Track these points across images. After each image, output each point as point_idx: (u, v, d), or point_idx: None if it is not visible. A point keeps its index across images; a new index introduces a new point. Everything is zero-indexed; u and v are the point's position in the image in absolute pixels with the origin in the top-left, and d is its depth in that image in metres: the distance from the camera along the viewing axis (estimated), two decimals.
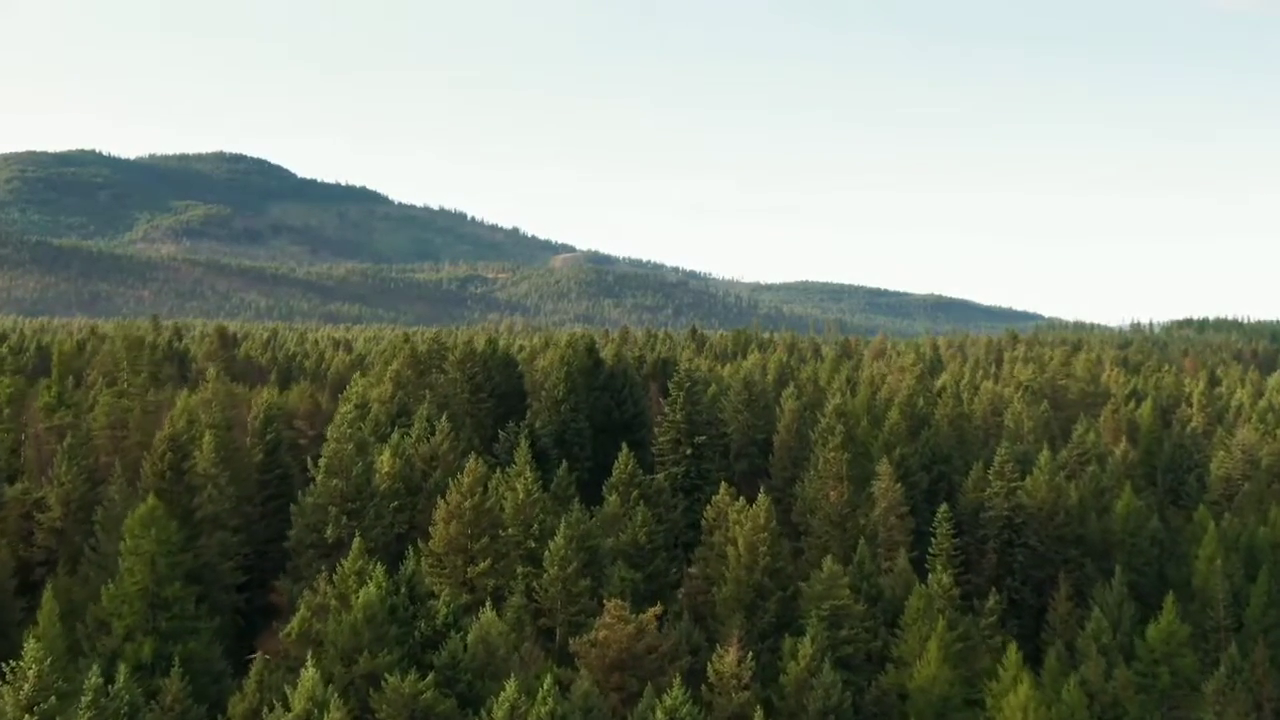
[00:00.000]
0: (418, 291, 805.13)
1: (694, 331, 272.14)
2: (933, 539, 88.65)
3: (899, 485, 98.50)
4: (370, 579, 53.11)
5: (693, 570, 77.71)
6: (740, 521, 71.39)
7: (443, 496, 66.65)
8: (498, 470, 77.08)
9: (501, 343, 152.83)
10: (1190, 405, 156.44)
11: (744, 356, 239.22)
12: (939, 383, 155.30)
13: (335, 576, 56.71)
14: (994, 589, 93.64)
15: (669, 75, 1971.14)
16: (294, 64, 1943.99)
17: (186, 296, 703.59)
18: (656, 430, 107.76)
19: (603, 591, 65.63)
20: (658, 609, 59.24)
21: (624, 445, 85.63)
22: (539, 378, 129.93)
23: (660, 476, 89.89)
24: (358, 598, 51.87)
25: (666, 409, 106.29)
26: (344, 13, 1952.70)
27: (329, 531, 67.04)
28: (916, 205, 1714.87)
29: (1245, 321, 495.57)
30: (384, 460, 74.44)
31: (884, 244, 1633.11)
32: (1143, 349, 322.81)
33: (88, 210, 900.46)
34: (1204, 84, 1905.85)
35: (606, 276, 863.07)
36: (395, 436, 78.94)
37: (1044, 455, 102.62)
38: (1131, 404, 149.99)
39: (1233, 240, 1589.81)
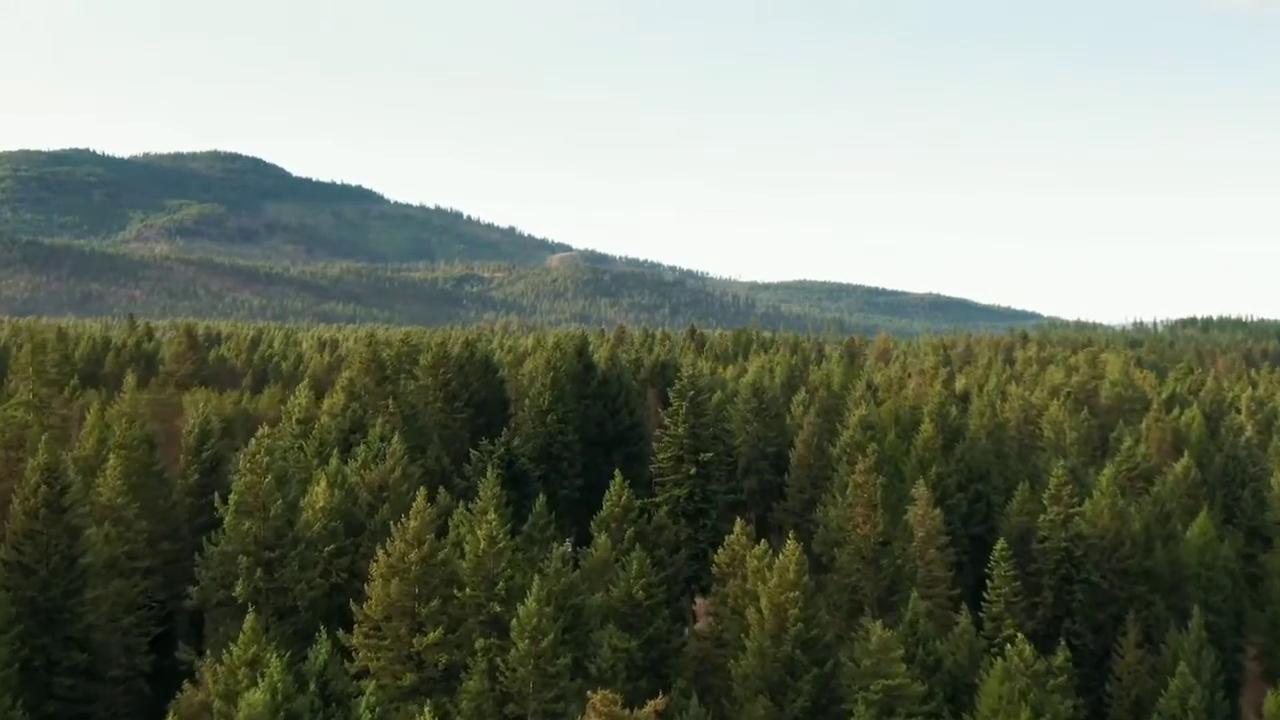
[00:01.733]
0: (413, 291, 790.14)
1: (693, 331, 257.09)
2: (988, 581, 73.47)
3: (937, 511, 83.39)
4: (264, 673, 38.09)
5: (700, 627, 62.34)
6: (761, 571, 56.10)
7: (382, 546, 51.38)
8: (461, 504, 61.79)
9: (485, 343, 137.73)
10: (1239, 412, 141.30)
11: (745, 357, 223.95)
12: (957, 386, 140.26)
13: (224, 662, 41.64)
14: (1059, 638, 78.81)
15: (666, 75, 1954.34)
16: (290, 63, 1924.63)
17: (179, 296, 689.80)
18: (656, 446, 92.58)
19: (589, 666, 50.55)
20: (660, 702, 43.96)
21: (617, 471, 70.22)
22: (524, 384, 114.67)
23: (661, 510, 74.59)
24: (245, 699, 36.87)
25: (667, 421, 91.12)
26: (340, 11, 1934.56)
27: (239, 588, 51.80)
28: (915, 204, 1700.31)
29: (1249, 320, 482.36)
30: (318, 493, 59.17)
31: (882, 243, 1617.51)
32: (1155, 349, 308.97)
33: (81, 209, 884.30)
34: (1203, 84, 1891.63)
35: (603, 276, 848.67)
36: (334, 461, 63.53)
37: (1105, 474, 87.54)
38: (1177, 411, 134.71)
39: (1230, 240, 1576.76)
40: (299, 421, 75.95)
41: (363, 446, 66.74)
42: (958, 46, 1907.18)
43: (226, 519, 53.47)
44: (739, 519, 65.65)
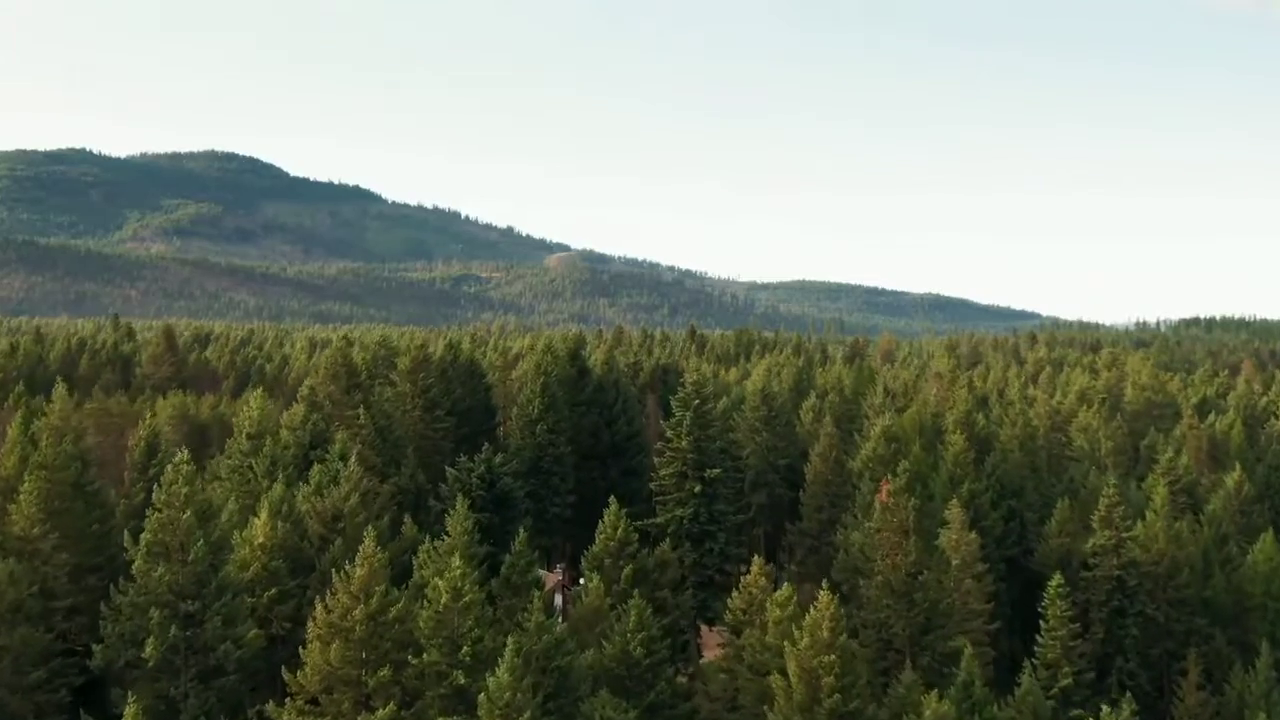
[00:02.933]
0: (410, 291, 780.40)
1: (693, 331, 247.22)
2: (1041, 622, 63.66)
3: (973, 535, 73.64)
4: None
5: (710, 689, 52.47)
6: (784, 623, 46.22)
7: (321, 599, 41.52)
8: (429, 539, 51.94)
9: (476, 345, 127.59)
10: (1278, 417, 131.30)
11: (747, 359, 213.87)
12: (975, 391, 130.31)
13: None
14: (1110, 676, 69.13)
15: (665, 74, 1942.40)
16: (287, 63, 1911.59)
17: (174, 296, 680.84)
18: (658, 461, 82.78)
19: None
20: None
21: (612, 499, 60.25)
22: (513, 390, 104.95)
23: (665, 545, 64.65)
24: None
25: (669, 432, 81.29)
26: (338, 11, 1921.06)
27: (149, 648, 41.96)
28: (913, 204, 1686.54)
29: (1253, 320, 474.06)
30: (258, 527, 49.35)
31: (881, 243, 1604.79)
32: (1166, 350, 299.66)
33: (77, 209, 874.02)
34: (1202, 84, 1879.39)
35: (602, 275, 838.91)
36: (278, 487, 53.59)
37: (1159, 491, 77.78)
38: (1212, 417, 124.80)
39: (1229, 240, 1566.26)
40: (250, 436, 65.98)
41: (316, 467, 56.84)
42: (957, 46, 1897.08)
43: (136, 563, 43.65)
44: (756, 557, 55.66)
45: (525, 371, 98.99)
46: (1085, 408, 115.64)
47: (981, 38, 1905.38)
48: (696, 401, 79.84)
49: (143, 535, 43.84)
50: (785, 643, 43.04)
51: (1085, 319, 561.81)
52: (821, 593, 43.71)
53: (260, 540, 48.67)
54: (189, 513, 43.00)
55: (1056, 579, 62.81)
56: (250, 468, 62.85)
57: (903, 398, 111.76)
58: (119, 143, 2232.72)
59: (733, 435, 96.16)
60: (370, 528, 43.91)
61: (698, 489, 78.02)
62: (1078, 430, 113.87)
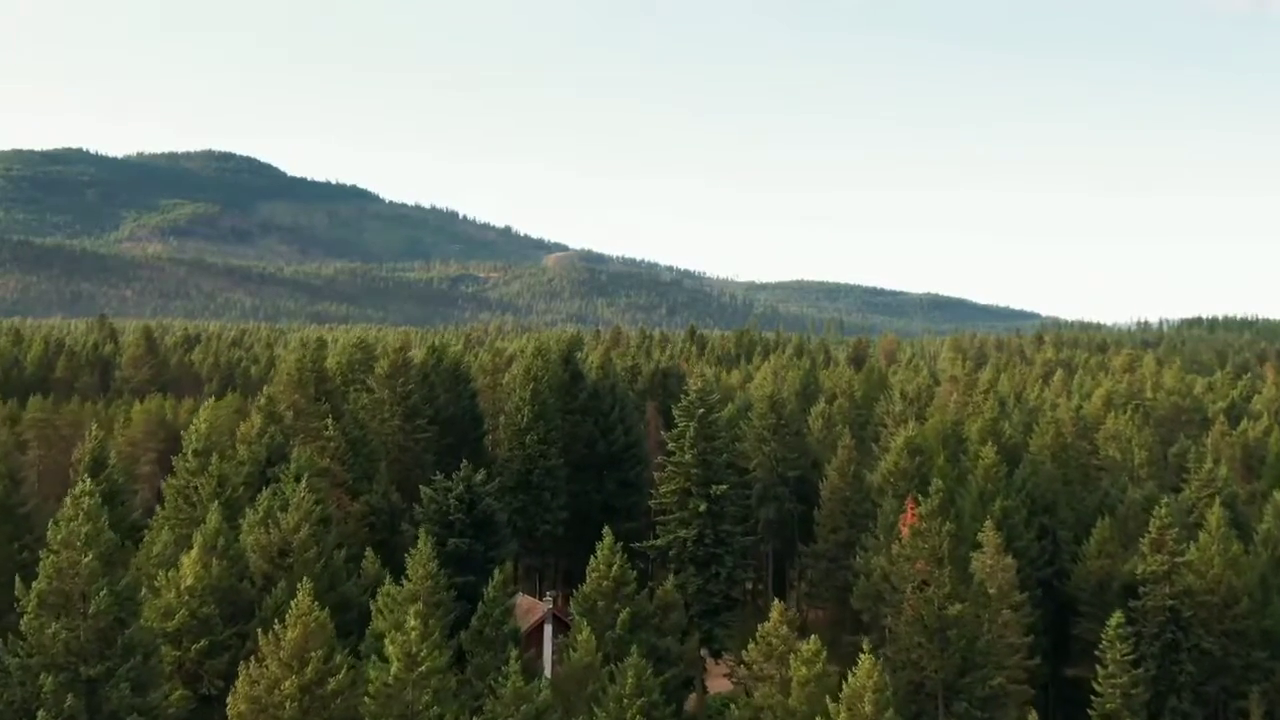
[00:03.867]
0: (408, 291, 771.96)
1: (693, 332, 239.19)
2: (1099, 667, 55.72)
3: (1010, 560, 65.75)
4: None
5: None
6: (811, 684, 38.26)
7: (253, 655, 33.46)
8: (389, 579, 43.87)
9: (468, 346, 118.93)
10: None
11: (749, 360, 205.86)
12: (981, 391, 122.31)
13: None
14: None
15: (663, 74, 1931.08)
16: (285, 62, 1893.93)
17: (170, 296, 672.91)
18: (657, 477, 74.89)
19: None
20: None
21: (606, 531, 52.18)
22: (503, 396, 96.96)
23: (668, 585, 56.66)
24: None
25: (670, 445, 73.38)
26: (336, 10, 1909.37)
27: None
28: (912, 204, 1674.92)
29: (1256, 320, 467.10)
30: (187, 565, 41.39)
31: (880, 243, 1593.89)
32: (1173, 350, 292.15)
33: (74, 209, 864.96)
34: (1202, 84, 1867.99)
35: (600, 275, 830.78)
36: (213, 516, 45.40)
37: (1214, 513, 69.69)
38: (1245, 422, 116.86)
39: (1228, 240, 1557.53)
40: (195, 453, 57.89)
41: (265, 491, 48.79)
42: (956, 46, 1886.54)
43: (26, 617, 35.68)
44: (777, 602, 47.50)
45: (515, 376, 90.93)
46: (1112, 413, 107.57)
47: (980, 37, 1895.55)
48: (701, 411, 71.92)
49: (34, 583, 35.86)
50: (816, 714, 35.06)
51: (1085, 319, 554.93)
52: (863, 656, 35.74)
53: (189, 582, 40.70)
54: (91, 555, 35.02)
55: (1116, 618, 54.99)
56: (196, 490, 54.82)
57: (916, 403, 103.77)
58: (116, 143, 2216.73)
59: (738, 445, 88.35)
60: (320, 567, 36.07)
61: (702, 508, 70.15)
62: (1105, 438, 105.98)
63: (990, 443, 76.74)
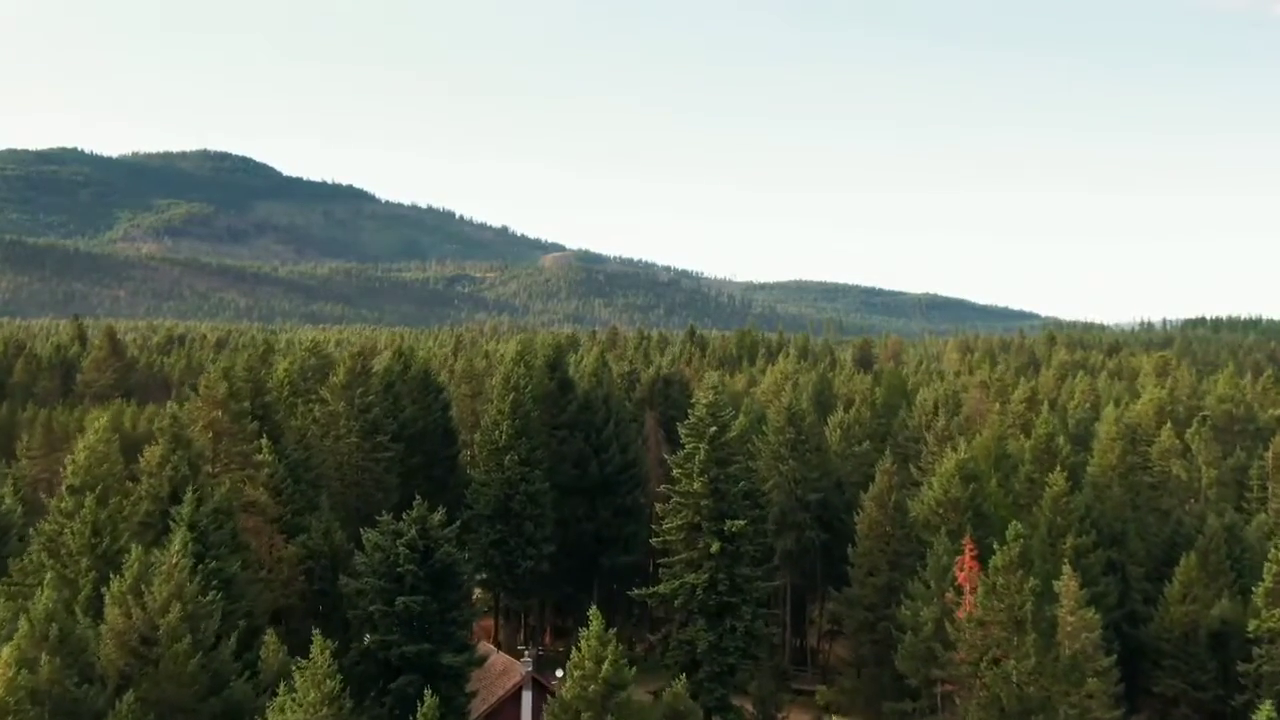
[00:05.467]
0: (404, 291, 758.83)
1: (692, 332, 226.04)
2: None
3: (1094, 614, 52.79)
4: None
5: None
6: None
7: None
8: (296, 671, 30.80)
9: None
10: None
11: (751, 362, 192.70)
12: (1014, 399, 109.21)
13: None
14: None
15: (661, 74, 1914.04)
16: (281, 62, 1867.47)
17: (164, 297, 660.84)
18: (659, 508, 61.93)
19: None
20: None
21: (594, 612, 39.03)
22: (483, 406, 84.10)
23: (679, 686, 43.42)
24: None
25: (676, 470, 60.37)
26: (332, 10, 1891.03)
27: None
28: (911, 204, 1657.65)
29: (1261, 320, 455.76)
30: (2, 662, 28.53)
31: (878, 243, 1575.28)
32: (1186, 351, 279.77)
33: (68, 209, 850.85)
34: (1201, 84, 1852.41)
35: (597, 275, 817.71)
36: (46, 594, 32.18)
37: None
38: None
39: (1227, 239, 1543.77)
40: (71, 489, 44.85)
41: (135, 552, 35.79)
42: (956, 46, 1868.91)
43: None
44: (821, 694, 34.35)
45: (494, 385, 77.86)
46: (1167, 425, 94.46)
47: (977, 37, 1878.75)
48: (713, 429, 58.94)
49: None
50: None
51: (1082, 319, 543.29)
52: None
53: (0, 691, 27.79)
54: None
55: (1267, 710, 41.69)
56: (70, 535, 41.74)
57: (944, 413, 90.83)
58: (110, 142, 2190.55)
59: (751, 463, 75.15)
60: (197, 662, 23.12)
61: (715, 548, 57.16)
62: (1160, 453, 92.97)
63: (1060, 469, 63.51)
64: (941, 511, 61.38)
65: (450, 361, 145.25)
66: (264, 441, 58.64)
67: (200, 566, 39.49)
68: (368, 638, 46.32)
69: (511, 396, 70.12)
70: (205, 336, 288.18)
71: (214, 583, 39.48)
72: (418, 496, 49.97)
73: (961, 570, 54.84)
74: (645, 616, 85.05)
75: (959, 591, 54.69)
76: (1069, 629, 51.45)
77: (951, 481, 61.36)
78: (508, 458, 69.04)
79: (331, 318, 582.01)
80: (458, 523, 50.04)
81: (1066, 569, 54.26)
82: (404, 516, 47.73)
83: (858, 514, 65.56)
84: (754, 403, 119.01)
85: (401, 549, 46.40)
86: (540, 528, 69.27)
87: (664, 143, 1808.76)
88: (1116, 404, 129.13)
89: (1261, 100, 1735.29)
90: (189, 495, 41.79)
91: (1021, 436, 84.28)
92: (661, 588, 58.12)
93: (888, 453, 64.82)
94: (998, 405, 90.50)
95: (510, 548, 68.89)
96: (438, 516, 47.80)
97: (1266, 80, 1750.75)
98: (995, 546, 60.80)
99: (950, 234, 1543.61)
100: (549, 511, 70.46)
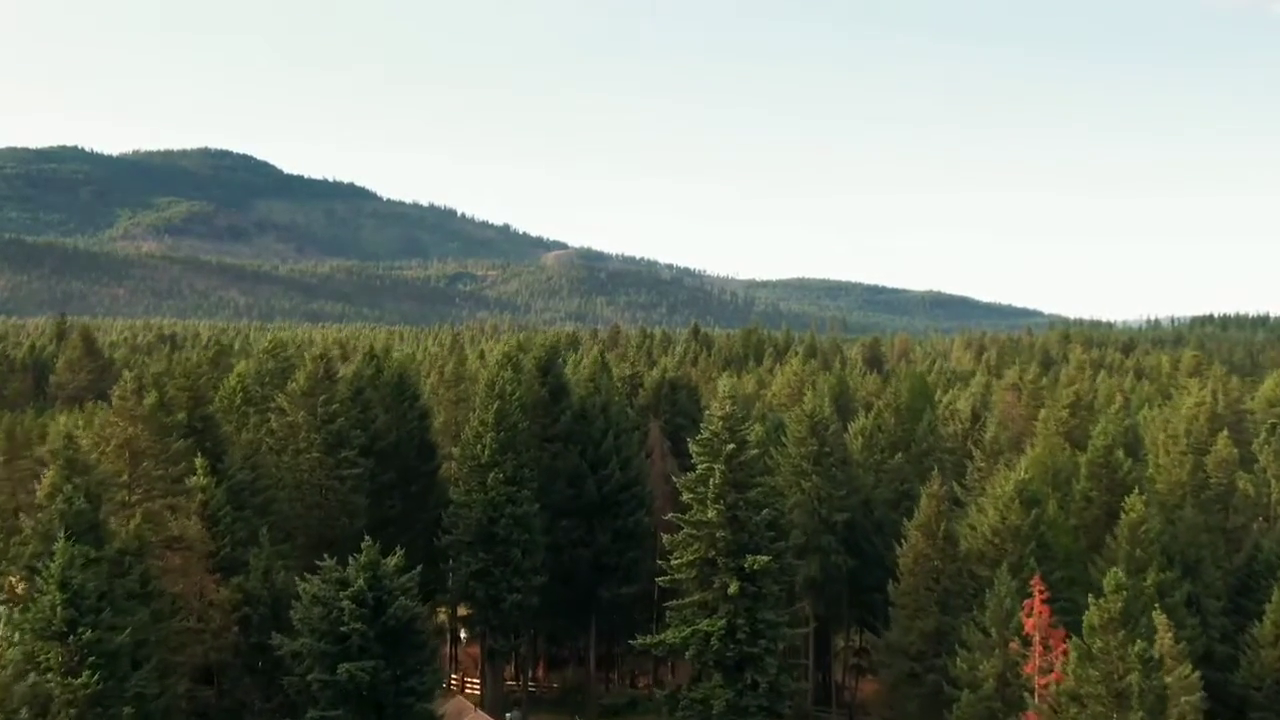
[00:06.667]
0: (405, 289, 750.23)
1: (696, 331, 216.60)
2: None
3: (1194, 674, 43.30)
4: None
5: None
6: None
7: None
8: None
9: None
10: None
11: (758, 361, 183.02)
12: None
13: None
14: None
15: (663, 73, 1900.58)
16: (281, 59, 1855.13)
17: (163, 295, 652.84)
18: (667, 540, 52.27)
19: None
20: None
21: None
22: (462, 417, 74.43)
23: None
24: None
25: (686, 494, 50.70)
26: (333, 8, 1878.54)
27: None
28: (913, 202, 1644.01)
29: (1269, 318, 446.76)
30: None
31: (881, 240, 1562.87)
32: (1200, 349, 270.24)
33: (68, 207, 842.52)
34: (1202, 84, 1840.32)
35: (599, 274, 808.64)
36: None
37: None
38: None
39: (1227, 239, 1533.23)
40: None
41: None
42: (957, 45, 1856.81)
43: None
44: None
45: (478, 392, 68.09)
46: (1221, 431, 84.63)
47: (979, 36, 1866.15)
48: (730, 447, 49.31)
49: None
50: None
51: (1087, 316, 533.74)
52: None
53: None
54: None
55: None
56: None
57: (990, 423, 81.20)
58: (111, 140, 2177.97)
59: (771, 480, 65.27)
60: None
61: (734, 588, 47.54)
62: (1217, 464, 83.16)
63: (1135, 490, 53.89)
64: (998, 541, 51.74)
65: (442, 363, 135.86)
66: (200, 461, 49.18)
67: (72, 639, 29.95)
68: (310, 715, 36.80)
69: (496, 405, 60.48)
70: (197, 336, 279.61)
71: (90, 659, 29.95)
72: (383, 532, 40.80)
73: (1029, 616, 45.31)
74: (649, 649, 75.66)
75: (1026, 642, 45.22)
76: (1175, 687, 41.94)
77: (1010, 506, 51.70)
78: (491, 475, 59.42)
79: (332, 316, 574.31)
80: (417, 569, 40.34)
81: (1160, 618, 44.80)
82: (352, 559, 38.13)
83: (901, 543, 55.79)
84: (765, 407, 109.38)
85: (346, 603, 36.85)
86: (529, 556, 59.66)
87: (666, 141, 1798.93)
88: (1150, 406, 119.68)
89: (1261, 100, 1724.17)
90: (61, 545, 32.25)
91: (1067, 446, 74.67)
92: (669, 636, 48.48)
93: (935, 472, 55.20)
94: (1040, 411, 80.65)
95: (494, 579, 59.28)
96: (394, 560, 38.26)
97: (1267, 80, 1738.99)
98: (1061, 580, 51.63)
99: (952, 232, 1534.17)
100: (539, 537, 60.83)
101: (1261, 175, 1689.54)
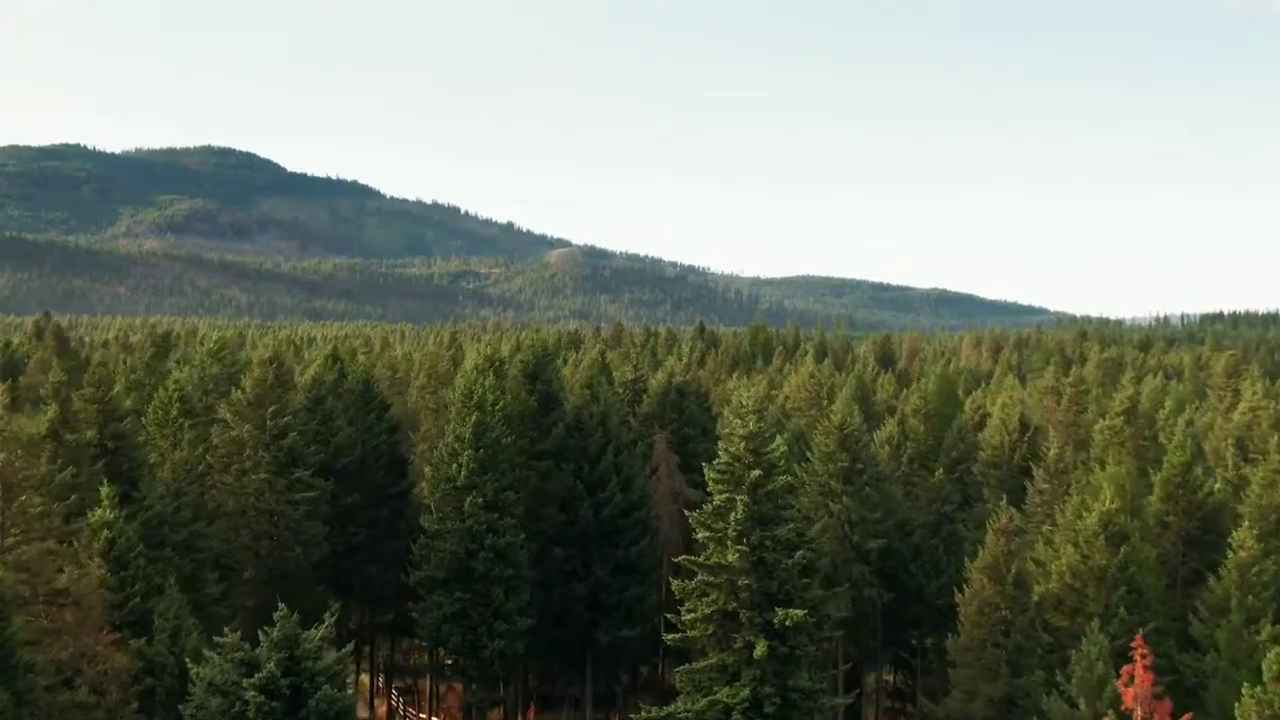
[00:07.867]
0: (408, 287, 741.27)
1: (702, 329, 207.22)
2: None
3: None
4: None
5: None
6: None
7: None
8: None
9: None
10: None
11: (766, 361, 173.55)
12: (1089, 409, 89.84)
13: None
14: None
15: (666, 71, 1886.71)
16: (285, 58, 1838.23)
17: (165, 293, 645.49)
18: (675, 586, 42.59)
19: None
20: None
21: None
22: (439, 430, 64.91)
23: None
24: None
25: (700, 531, 41.12)
26: (336, 6, 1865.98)
27: None
28: (918, 200, 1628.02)
29: (1279, 315, 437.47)
30: None
31: (886, 238, 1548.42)
32: (1220, 347, 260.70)
33: (70, 205, 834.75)
34: (1202, 84, 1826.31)
35: (603, 271, 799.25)
36: None
37: None
38: None
39: (1228, 238, 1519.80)
40: None
41: None
42: (958, 44, 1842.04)
43: None
44: None
45: (453, 400, 58.42)
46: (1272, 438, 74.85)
47: (982, 34, 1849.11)
48: (755, 474, 39.69)
49: None
50: None
51: (1094, 314, 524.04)
52: None
53: None
54: None
55: None
56: None
57: (1057, 438, 71.47)
58: (114, 138, 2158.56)
59: (797, 503, 55.50)
60: None
61: (761, 649, 37.97)
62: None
63: (1253, 528, 44.30)
64: (1079, 586, 42.15)
65: (432, 363, 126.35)
66: (105, 490, 39.80)
67: None
68: None
69: (474, 417, 50.97)
70: (191, 335, 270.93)
71: None
72: (345, 563, 31.24)
73: (1128, 685, 35.83)
74: (654, 685, 66.21)
75: (1124, 718, 35.78)
76: None
77: (1094, 543, 42.12)
78: (469, 500, 49.98)
79: (335, 314, 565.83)
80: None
81: (1273, 661, 35.22)
82: (263, 634, 28.62)
83: (940, 573, 46.09)
84: (778, 411, 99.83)
85: (251, 693, 27.29)
86: (513, 595, 50.20)
87: (670, 139, 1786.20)
88: (1189, 409, 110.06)
89: (1261, 99, 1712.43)
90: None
91: (1128, 459, 65.12)
92: (679, 707, 38.78)
93: (1004, 502, 45.63)
94: (1095, 421, 71.05)
95: (473, 622, 49.85)
96: (318, 632, 28.72)
97: (1267, 79, 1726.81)
98: (1153, 634, 42.20)
99: (958, 230, 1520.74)
100: (525, 572, 51.40)
101: (1264, 172, 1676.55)
